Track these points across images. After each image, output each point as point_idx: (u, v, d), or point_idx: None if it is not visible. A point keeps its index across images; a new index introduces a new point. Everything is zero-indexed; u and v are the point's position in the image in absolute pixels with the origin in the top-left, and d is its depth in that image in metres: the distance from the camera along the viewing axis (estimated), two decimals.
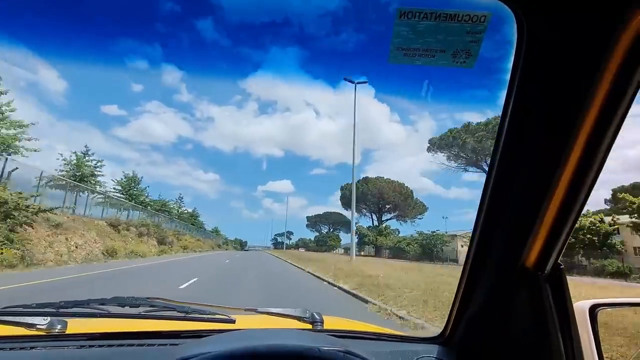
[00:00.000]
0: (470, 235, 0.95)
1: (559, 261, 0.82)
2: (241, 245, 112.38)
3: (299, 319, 1.23)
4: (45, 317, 1.00)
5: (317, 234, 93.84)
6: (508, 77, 0.72)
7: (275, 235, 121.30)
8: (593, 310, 0.90)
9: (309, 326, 1.21)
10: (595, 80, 0.61)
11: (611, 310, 1.02)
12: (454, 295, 1.03)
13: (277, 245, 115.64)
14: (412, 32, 0.62)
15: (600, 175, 0.68)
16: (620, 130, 0.64)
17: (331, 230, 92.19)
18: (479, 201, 0.88)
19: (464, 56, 0.65)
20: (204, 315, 1.08)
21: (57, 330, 1.00)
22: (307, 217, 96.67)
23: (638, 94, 0.61)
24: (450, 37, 0.63)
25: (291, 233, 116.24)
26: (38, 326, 0.98)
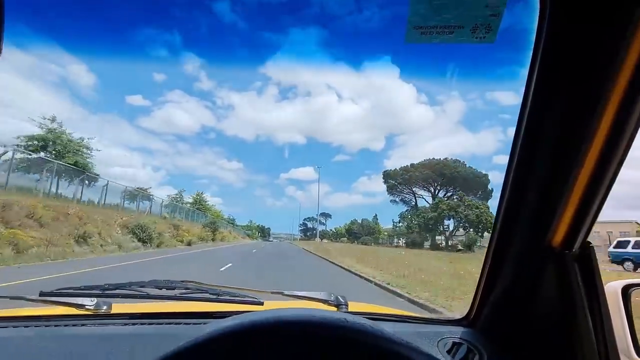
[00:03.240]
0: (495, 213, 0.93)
1: (587, 239, 0.80)
2: (263, 233, 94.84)
3: (324, 301, 1.26)
4: (92, 299, 1.10)
5: (414, 209, 46.12)
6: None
7: (305, 220, 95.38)
8: (626, 290, 0.87)
9: (334, 309, 1.24)
10: (624, 56, 0.58)
11: None
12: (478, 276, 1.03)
13: (306, 232, 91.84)
14: (429, 9, 0.62)
15: (630, 149, 0.66)
16: None
17: (456, 195, 44.10)
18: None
19: (483, 31, 0.64)
20: (234, 298, 1.14)
21: (103, 311, 1.09)
22: (384, 172, 51.79)
23: None
24: (468, 11, 0.62)
25: (329, 216, 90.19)
26: (87, 306, 1.07)
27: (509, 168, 0.83)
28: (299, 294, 1.27)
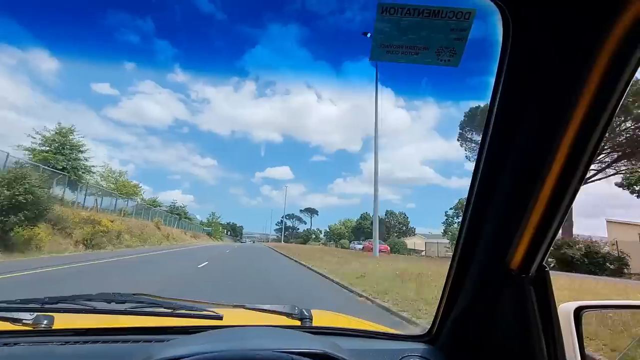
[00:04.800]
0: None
1: (543, 263, 0.81)
2: (234, 232, 79.70)
3: (288, 315, 1.23)
4: (32, 313, 1.00)
5: None
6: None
7: (285, 216, 75.13)
8: (578, 312, 0.90)
9: (298, 322, 1.20)
10: (583, 77, 0.59)
11: (597, 313, 1.02)
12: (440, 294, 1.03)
13: (285, 232, 73.57)
14: (394, 28, 0.60)
15: (585, 178, 0.67)
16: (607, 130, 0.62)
17: None
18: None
19: (448, 54, 0.63)
20: (191, 312, 1.08)
21: (43, 326, 0.99)
22: (470, 111, 31.47)
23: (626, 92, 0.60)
24: (434, 34, 0.61)
25: (315, 212, 70.02)
26: (24, 321, 0.98)
27: (470, 193, 0.84)
28: (262, 307, 1.22)
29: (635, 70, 0.57)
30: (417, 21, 0.60)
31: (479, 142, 0.77)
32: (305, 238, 65.36)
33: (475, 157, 0.80)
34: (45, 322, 1.00)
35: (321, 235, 67.02)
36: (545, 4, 0.57)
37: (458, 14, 0.59)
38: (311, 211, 71.80)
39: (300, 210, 74.79)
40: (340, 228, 58.54)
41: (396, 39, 0.62)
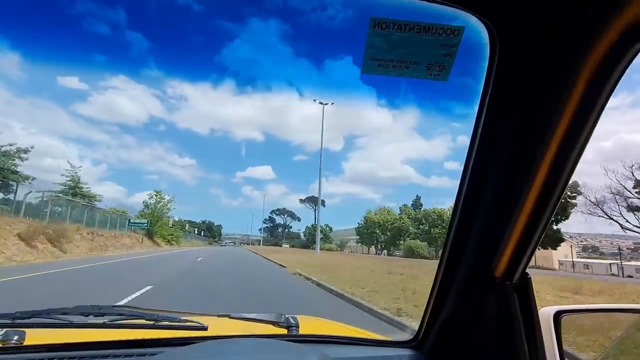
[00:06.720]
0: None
1: (526, 270, 0.84)
2: (211, 232, 67.36)
3: (274, 323, 1.21)
4: (1, 328, 0.95)
5: None
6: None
7: (274, 212, 61.58)
8: (557, 316, 0.93)
9: (284, 331, 1.19)
10: (567, 90, 0.62)
11: (575, 317, 1.06)
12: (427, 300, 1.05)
13: (273, 231, 62.47)
14: (385, 43, 0.61)
15: (567, 187, 0.70)
16: (588, 143, 0.66)
17: None
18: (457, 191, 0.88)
19: (437, 69, 0.65)
20: (175, 323, 1.05)
21: (13, 342, 0.94)
22: None
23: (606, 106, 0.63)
24: (424, 49, 0.62)
25: (322, 202, 43.77)
26: None
27: (457, 204, 0.86)
28: (248, 317, 1.20)
29: (615, 84, 0.60)
30: (408, 36, 0.61)
31: None
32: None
33: None
34: (15, 338, 0.95)
35: (331, 233, 48.22)
36: (531, 20, 0.59)
37: (447, 31, 0.61)
38: (315, 201, 46.17)
39: (301, 200, 54.86)
40: (400, 219, 33.28)
41: (387, 53, 0.63)
